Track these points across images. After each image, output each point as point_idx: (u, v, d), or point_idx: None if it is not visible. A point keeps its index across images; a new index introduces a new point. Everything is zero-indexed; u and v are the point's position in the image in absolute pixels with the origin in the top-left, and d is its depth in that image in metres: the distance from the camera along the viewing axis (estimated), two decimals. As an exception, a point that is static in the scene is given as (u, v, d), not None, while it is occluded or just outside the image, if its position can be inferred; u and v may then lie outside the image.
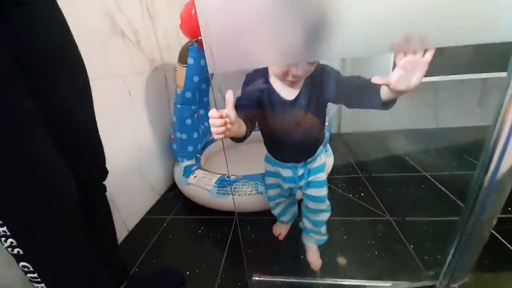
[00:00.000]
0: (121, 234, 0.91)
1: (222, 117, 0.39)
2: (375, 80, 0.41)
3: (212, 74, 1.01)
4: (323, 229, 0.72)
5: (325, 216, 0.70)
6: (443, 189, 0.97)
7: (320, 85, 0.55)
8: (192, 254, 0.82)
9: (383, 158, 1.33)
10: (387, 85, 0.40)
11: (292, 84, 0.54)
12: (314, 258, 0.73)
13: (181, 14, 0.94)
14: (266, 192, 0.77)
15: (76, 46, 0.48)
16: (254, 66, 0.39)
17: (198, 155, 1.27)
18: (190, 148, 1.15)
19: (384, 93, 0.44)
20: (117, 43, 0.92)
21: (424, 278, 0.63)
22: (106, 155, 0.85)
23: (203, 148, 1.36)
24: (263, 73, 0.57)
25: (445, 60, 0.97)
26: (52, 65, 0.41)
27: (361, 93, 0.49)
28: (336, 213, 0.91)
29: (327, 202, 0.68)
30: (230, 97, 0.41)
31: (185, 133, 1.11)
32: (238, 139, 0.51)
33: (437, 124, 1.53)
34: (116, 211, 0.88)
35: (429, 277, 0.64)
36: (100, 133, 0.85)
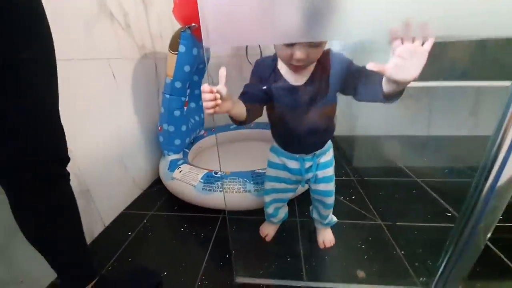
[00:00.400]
0: (96, 228, 0.84)
1: (212, 92, 0.39)
2: (369, 66, 0.38)
3: (208, 59, 0.96)
4: (331, 212, 0.73)
5: (333, 204, 0.70)
6: (434, 195, 0.96)
7: (330, 73, 0.53)
8: (172, 253, 0.76)
9: (375, 162, 1.31)
10: (383, 73, 0.38)
11: (297, 70, 0.52)
12: (328, 237, 0.75)
13: (174, -2, 0.90)
14: (264, 184, 0.72)
15: (44, 16, 0.42)
16: (249, 43, 0.36)
17: (186, 149, 1.21)
18: (177, 142, 1.09)
19: (385, 85, 0.41)
20: (104, 24, 0.86)
21: (415, 285, 0.61)
22: (85, 140, 0.79)
23: (192, 143, 1.30)
24: (272, 59, 0.56)
25: (442, 65, 0.96)
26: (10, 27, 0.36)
27: (366, 84, 0.47)
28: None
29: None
30: (222, 73, 0.41)
31: (172, 125, 1.06)
32: (238, 122, 0.52)
33: (428, 132, 1.53)
34: (92, 202, 0.81)
35: (420, 284, 0.61)
36: (79, 116, 0.79)
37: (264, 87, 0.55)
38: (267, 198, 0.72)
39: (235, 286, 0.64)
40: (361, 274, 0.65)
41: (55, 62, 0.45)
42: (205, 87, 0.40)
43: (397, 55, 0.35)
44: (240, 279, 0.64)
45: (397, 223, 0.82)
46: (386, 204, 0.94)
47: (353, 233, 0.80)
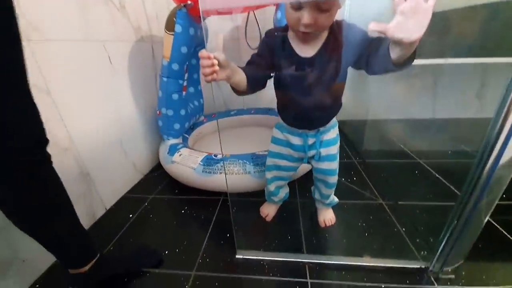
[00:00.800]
0: (98, 211, 0.84)
1: (210, 58, 0.39)
2: (371, 26, 0.36)
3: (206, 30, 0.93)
4: (333, 192, 0.72)
5: (335, 184, 0.69)
6: (437, 175, 0.94)
7: (343, 44, 0.50)
8: (173, 234, 0.77)
9: (378, 145, 1.29)
10: (385, 33, 0.35)
11: (306, 39, 0.50)
12: (328, 216, 0.75)
13: (169, -26, 0.86)
14: (266, 161, 0.71)
15: None
16: (245, 3, 0.34)
17: (185, 135, 1.21)
18: (177, 126, 1.08)
19: (391, 49, 0.39)
20: (98, 5, 0.83)
21: (416, 260, 0.60)
22: (83, 124, 0.78)
23: (192, 129, 1.29)
24: (283, 29, 0.54)
25: (447, 42, 0.92)
26: None
27: (376, 53, 0.44)
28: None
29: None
30: (220, 38, 0.41)
31: (171, 109, 1.04)
32: (238, 91, 0.52)
33: (433, 115, 1.49)
34: (92, 186, 0.82)
35: (421, 258, 0.60)
36: (76, 99, 0.78)
37: (272, 58, 0.54)
38: (269, 175, 0.71)
39: (236, 262, 0.64)
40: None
41: (18, 30, 0.39)
42: (203, 52, 0.39)
43: (399, 12, 0.33)
44: (241, 255, 0.65)
45: (399, 202, 0.82)
46: (388, 185, 0.93)
47: (354, 213, 0.79)
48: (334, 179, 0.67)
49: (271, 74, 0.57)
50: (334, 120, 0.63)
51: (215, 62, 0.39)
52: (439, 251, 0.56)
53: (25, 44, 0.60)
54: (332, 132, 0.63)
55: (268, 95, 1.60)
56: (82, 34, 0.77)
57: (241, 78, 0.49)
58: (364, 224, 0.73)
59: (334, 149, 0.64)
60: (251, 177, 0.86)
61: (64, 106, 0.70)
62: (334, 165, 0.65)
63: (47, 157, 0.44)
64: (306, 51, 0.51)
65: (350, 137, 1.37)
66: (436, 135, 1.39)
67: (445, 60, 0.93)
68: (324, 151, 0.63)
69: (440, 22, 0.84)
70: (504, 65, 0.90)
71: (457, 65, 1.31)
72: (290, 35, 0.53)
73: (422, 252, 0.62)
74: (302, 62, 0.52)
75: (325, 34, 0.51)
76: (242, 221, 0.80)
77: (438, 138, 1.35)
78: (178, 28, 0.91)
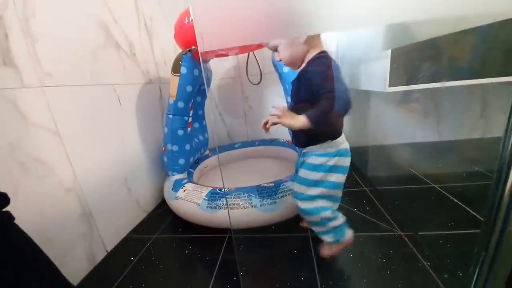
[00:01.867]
0: (98, 254, 0.80)
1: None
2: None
3: (210, 80, 0.99)
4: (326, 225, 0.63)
5: (308, 216, 0.64)
6: (455, 200, 0.89)
7: (301, 78, 0.59)
8: (175, 278, 0.71)
9: (387, 171, 1.25)
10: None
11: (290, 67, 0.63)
12: (324, 250, 0.67)
13: (175, 24, 0.96)
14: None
15: None
16: (234, 44, 0.37)
17: (191, 170, 1.20)
18: (182, 161, 1.09)
19: None
20: (110, 53, 0.92)
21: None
22: (88, 163, 0.79)
23: (197, 163, 1.30)
24: None
25: (442, 66, 0.95)
26: None
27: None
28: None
29: (316, 204, 0.62)
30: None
31: (176, 145, 1.06)
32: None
33: (440, 137, 1.47)
34: (94, 227, 0.79)
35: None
36: (83, 139, 0.80)
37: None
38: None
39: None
40: None
41: None
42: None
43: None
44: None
45: (419, 233, 0.75)
46: (404, 214, 0.87)
47: (372, 247, 0.73)
48: (305, 190, 0.63)
49: None
50: (321, 149, 0.60)
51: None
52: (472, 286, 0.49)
53: (39, 90, 0.65)
54: (313, 158, 0.61)
55: (270, 127, 1.63)
56: (93, 79, 0.83)
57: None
58: (384, 260, 0.67)
59: (303, 172, 0.63)
60: (258, 211, 0.82)
61: (72, 146, 0.72)
62: (297, 187, 0.65)
63: (9, 214, 0.39)
64: (294, 75, 0.63)
65: (357, 164, 1.34)
66: (444, 157, 1.35)
67: (442, 84, 0.95)
68: (305, 158, 0.64)
69: (431, 48, 0.88)
70: (501, 85, 0.91)
71: (455, 88, 1.33)
72: None
73: (454, 291, 0.55)
74: (292, 83, 0.64)
75: (303, 65, 0.59)
76: (249, 262, 0.74)
77: (447, 160, 1.31)
78: (183, 70, 0.97)
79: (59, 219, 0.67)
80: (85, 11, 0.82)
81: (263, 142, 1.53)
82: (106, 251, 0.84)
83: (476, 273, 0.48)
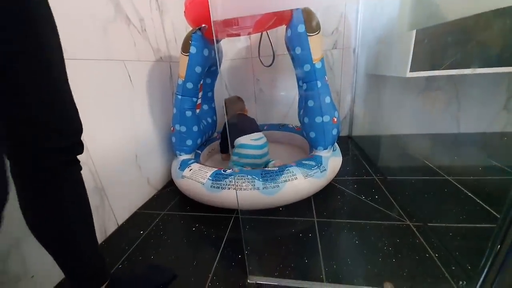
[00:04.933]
0: (109, 227, 0.84)
1: None
2: None
3: (221, 58, 0.96)
4: None
5: None
6: (469, 193, 0.86)
7: None
8: (182, 252, 0.73)
9: (400, 162, 1.22)
10: None
11: None
12: None
13: (185, 1, 0.92)
14: None
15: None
16: (249, 12, 0.34)
17: (198, 151, 1.21)
18: (189, 142, 1.09)
19: None
20: (120, 27, 0.90)
21: (454, 292, 0.52)
22: (101, 139, 0.80)
23: (205, 145, 1.30)
24: None
25: (471, 51, 0.88)
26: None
27: None
28: (346, 215, 0.82)
29: None
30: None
31: (184, 126, 1.06)
32: None
33: (458, 129, 1.41)
34: (106, 201, 0.82)
35: (460, 291, 0.53)
36: (95, 115, 0.81)
37: None
38: None
39: (248, 286, 0.59)
40: (389, 287, 0.57)
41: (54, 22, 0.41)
42: None
43: None
44: (253, 279, 0.60)
45: (428, 224, 0.74)
46: (414, 205, 0.85)
47: (379, 235, 0.72)
48: None
49: None
50: None
51: None
52: (481, 281, 0.48)
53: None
54: None
55: (280, 111, 1.60)
56: (104, 54, 0.82)
57: None
58: (390, 249, 0.66)
59: None
60: (260, 194, 0.82)
61: (84, 121, 0.72)
62: None
63: (78, 162, 0.45)
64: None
65: (367, 152, 1.31)
66: (461, 150, 1.30)
67: (473, 71, 0.88)
68: None
69: (460, 31, 0.81)
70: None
71: (480, 76, 1.25)
72: None
73: (461, 283, 0.54)
74: None
75: None
76: (255, 242, 0.75)
77: (464, 153, 1.25)
78: (193, 50, 0.95)
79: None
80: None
81: (272, 127, 1.51)
82: (117, 224, 0.87)
83: (487, 267, 0.47)
